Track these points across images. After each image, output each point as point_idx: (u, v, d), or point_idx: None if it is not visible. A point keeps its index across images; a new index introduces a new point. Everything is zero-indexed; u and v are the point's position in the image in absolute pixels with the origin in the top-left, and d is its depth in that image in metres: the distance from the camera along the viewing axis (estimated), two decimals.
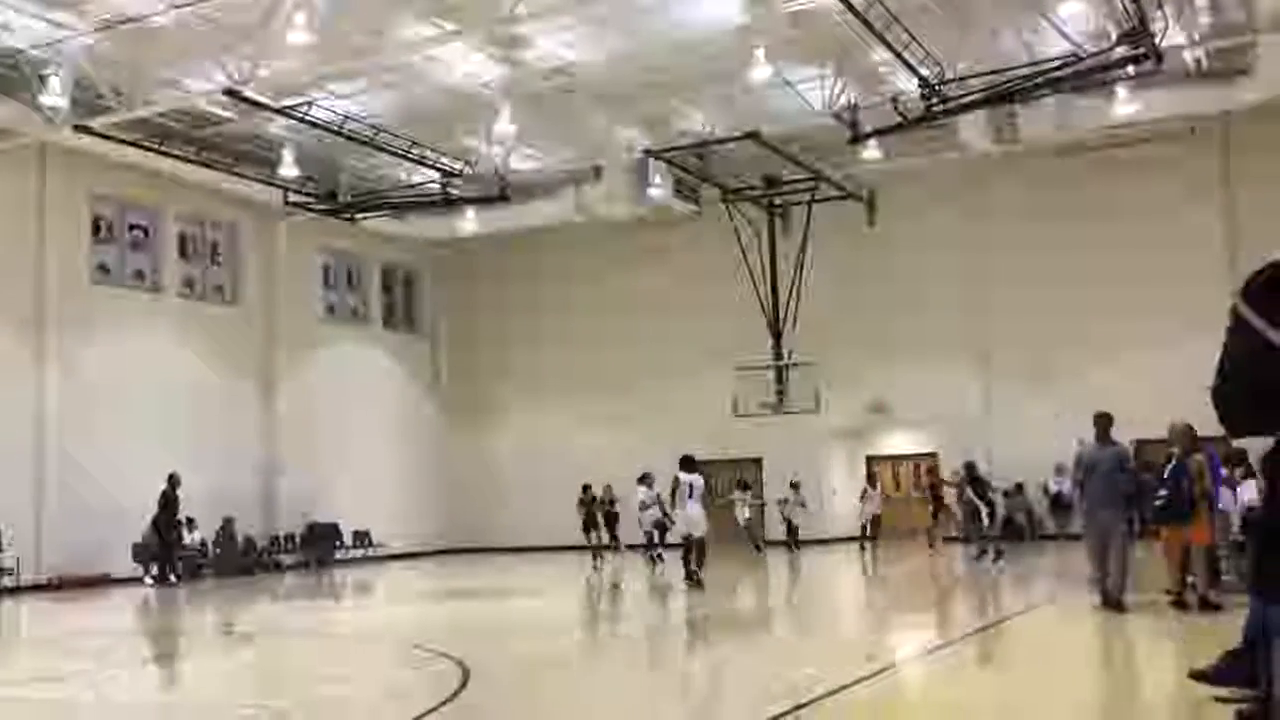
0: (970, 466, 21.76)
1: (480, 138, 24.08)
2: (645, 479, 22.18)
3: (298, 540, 26.88)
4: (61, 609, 19.08)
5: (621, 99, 22.78)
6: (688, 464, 17.08)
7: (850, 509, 29.21)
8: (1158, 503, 12.11)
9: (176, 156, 22.79)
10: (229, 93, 19.44)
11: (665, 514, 21.03)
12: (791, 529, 26.38)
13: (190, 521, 23.53)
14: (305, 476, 26.98)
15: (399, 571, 25.21)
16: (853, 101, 22.18)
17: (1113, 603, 12.06)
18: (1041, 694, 8.34)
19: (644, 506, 22.21)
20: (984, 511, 21.31)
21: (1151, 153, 24.57)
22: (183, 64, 19.98)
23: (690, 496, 16.81)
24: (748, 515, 26.24)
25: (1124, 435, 19.13)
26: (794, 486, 26.42)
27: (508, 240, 29.65)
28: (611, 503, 24.92)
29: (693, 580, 16.77)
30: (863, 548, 24.98)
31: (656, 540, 22.16)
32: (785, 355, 27.14)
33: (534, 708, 8.61)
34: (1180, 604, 11.94)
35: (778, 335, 27.53)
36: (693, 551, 16.99)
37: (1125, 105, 21.63)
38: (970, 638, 11.50)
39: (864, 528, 25.51)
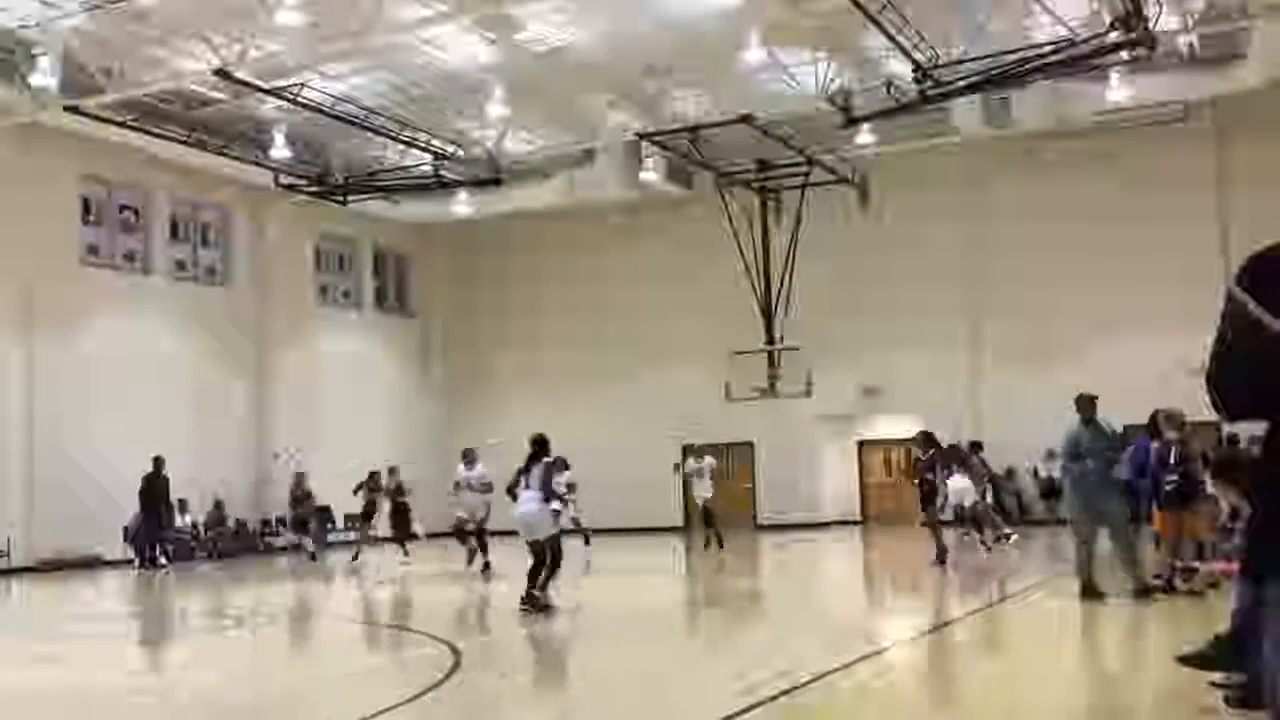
0: (928, 437, 17.56)
1: (473, 120, 24.00)
2: (466, 456, 18.53)
3: (289, 523, 26.83)
4: (52, 591, 19.05)
5: (615, 82, 22.72)
6: (536, 447, 12.78)
7: (841, 492, 29.35)
8: (1169, 488, 12.13)
9: (167, 137, 22.67)
10: (219, 73, 19.34)
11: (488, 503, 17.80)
12: (706, 513, 21.01)
13: (182, 504, 23.48)
14: (297, 458, 26.91)
15: (391, 555, 25.17)
16: (846, 85, 22.14)
17: (1140, 590, 11.73)
18: (1031, 680, 8.36)
19: (458, 488, 18.48)
20: (940, 493, 17.72)
21: (1145, 138, 24.54)
22: (173, 44, 19.86)
23: (528, 488, 12.52)
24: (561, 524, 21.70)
25: (1116, 421, 19.22)
26: (690, 455, 21.01)
27: (500, 223, 29.60)
28: (399, 490, 22.20)
29: (528, 603, 12.33)
30: (966, 537, 19.86)
31: (469, 530, 18.58)
32: (777, 340, 27.14)
33: (524, 690, 8.62)
34: (1170, 588, 11.99)
35: (770, 320, 27.53)
36: (539, 564, 12.50)
37: (1119, 90, 21.62)
38: (959, 623, 11.53)
39: (957, 512, 19.66)
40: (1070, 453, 12.34)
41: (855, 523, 28.75)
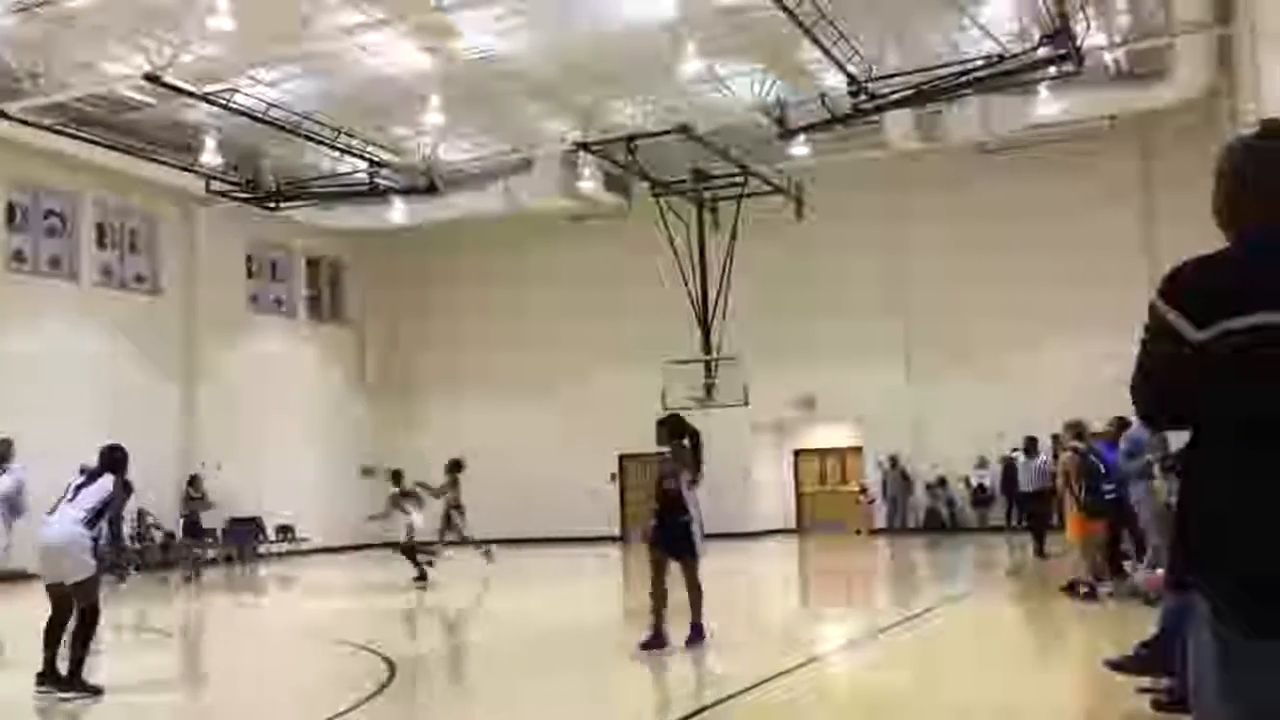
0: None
1: (409, 127, 23.85)
2: None
3: (219, 535, 26.42)
4: None
5: (552, 91, 22.71)
6: (109, 461, 9.51)
7: (777, 500, 29.51)
8: (1109, 495, 12.38)
9: (94, 142, 22.24)
10: (149, 78, 19.03)
11: None
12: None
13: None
14: (227, 469, 26.51)
15: (322, 566, 24.92)
16: (782, 97, 22.33)
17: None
18: (957, 684, 8.46)
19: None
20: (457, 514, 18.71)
21: (1072, 153, 25.02)
22: (102, 48, 19.52)
23: (71, 500, 9.15)
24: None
25: (1044, 431, 19.60)
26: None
27: (436, 232, 29.42)
28: None
29: (69, 683, 8.64)
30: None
31: None
32: (713, 350, 27.24)
33: (460, 701, 8.56)
34: (1092, 594, 12.21)
35: (706, 329, 27.62)
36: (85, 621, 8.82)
37: (1047, 105, 22.02)
38: (890, 630, 11.63)
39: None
40: (1130, 452, 11.95)
41: (790, 531, 28.93)
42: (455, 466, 19.62)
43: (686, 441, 10.18)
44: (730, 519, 27.46)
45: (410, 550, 18.50)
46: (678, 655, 9.56)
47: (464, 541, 19.53)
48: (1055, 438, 16.40)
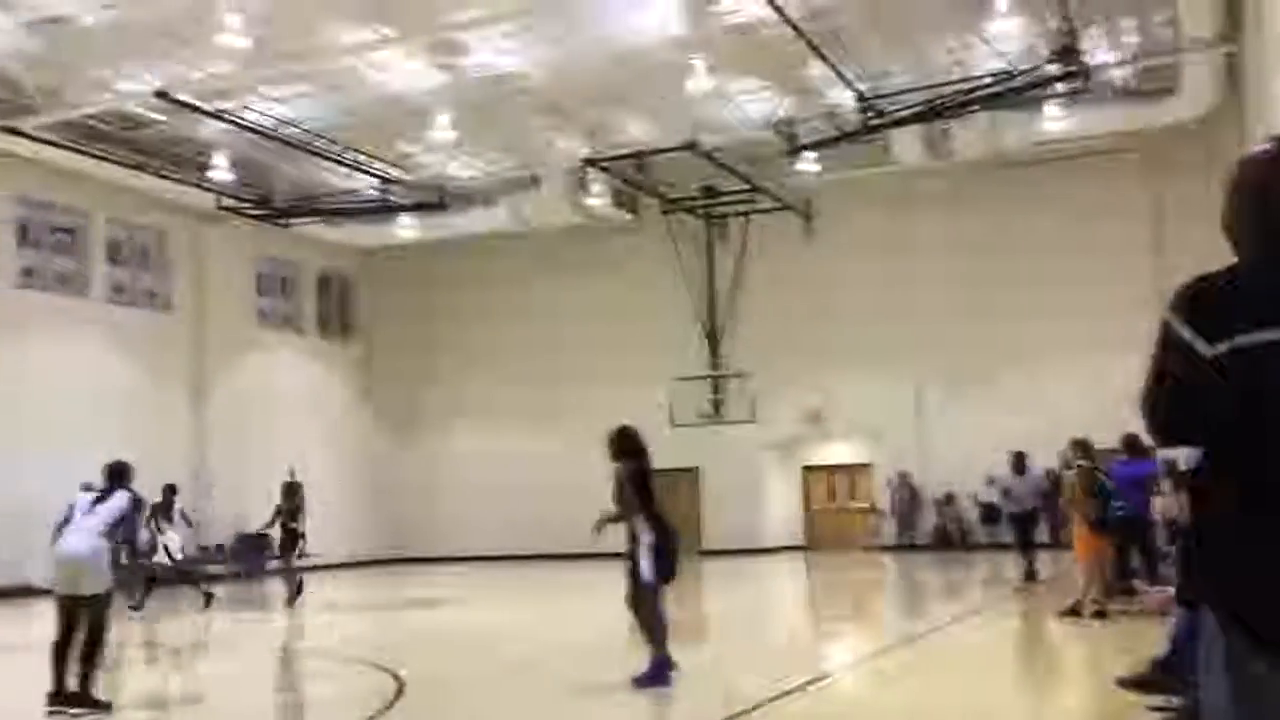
0: (291, 488, 18.63)
1: (418, 144, 23.93)
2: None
3: (227, 551, 26.41)
4: None
5: (561, 108, 22.77)
6: (114, 478, 9.53)
7: (786, 517, 29.39)
8: (1120, 513, 12.34)
9: (105, 159, 22.35)
10: (160, 95, 19.13)
11: None
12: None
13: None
14: (236, 485, 26.52)
15: (330, 582, 24.86)
16: (790, 114, 22.37)
17: None
18: (968, 703, 8.41)
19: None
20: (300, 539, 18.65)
21: (1080, 168, 25.00)
22: (114, 65, 19.63)
23: (91, 512, 9.07)
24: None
25: (1054, 446, 19.49)
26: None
27: (445, 248, 29.48)
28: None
29: (78, 701, 8.53)
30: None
31: None
32: (722, 366, 27.24)
33: None
34: (1102, 612, 12.14)
35: (714, 345, 27.64)
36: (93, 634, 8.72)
37: (1055, 122, 22.03)
38: (901, 646, 11.58)
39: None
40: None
41: (800, 548, 28.83)
42: (291, 490, 19.11)
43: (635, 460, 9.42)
44: (740, 536, 27.47)
45: (153, 575, 17.88)
46: (674, 677, 8.98)
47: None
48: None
